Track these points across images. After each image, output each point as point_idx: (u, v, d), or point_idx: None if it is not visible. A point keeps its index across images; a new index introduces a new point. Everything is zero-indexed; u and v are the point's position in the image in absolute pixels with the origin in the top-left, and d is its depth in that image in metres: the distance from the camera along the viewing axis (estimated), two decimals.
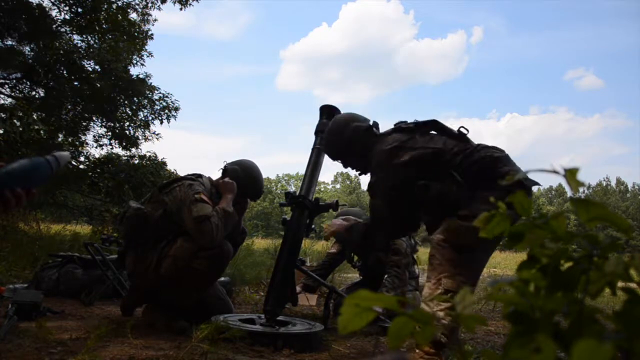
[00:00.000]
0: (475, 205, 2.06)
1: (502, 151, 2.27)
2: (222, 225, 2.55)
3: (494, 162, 2.18)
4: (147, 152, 8.98)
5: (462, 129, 2.32)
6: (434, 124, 2.33)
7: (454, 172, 2.14)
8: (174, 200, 2.61)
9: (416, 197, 2.18)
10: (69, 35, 8.52)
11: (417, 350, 1.99)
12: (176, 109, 9.28)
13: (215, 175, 2.93)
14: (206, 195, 2.61)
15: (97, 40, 8.70)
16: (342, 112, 2.96)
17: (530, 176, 0.56)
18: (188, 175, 2.83)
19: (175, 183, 2.71)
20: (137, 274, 2.65)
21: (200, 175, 2.81)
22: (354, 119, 2.51)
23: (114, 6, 8.57)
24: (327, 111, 2.90)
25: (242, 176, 2.87)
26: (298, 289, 3.46)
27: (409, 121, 2.38)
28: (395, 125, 2.42)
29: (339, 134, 2.49)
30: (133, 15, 9.18)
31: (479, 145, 2.26)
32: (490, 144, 2.32)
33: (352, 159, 2.51)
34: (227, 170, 2.90)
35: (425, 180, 2.15)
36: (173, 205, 2.60)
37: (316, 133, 2.88)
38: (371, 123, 2.52)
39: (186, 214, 2.52)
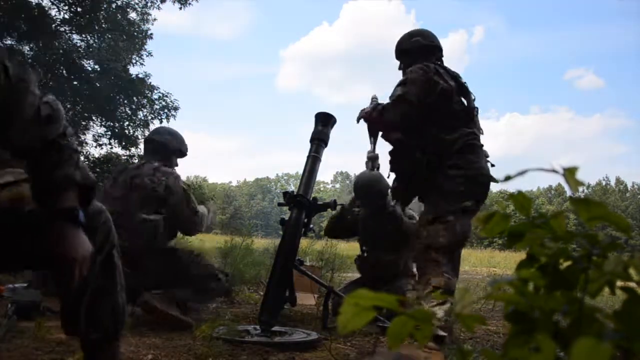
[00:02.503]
0: (441, 204, 2.31)
1: (472, 138, 2.44)
2: (209, 219, 2.88)
3: (469, 148, 2.38)
4: None
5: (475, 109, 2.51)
6: (465, 87, 2.51)
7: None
8: (172, 194, 2.71)
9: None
10: (68, 34, 8.52)
11: (418, 350, 2.02)
12: (175, 109, 9.30)
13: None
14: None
15: (96, 40, 8.71)
16: (337, 119, 2.96)
17: (530, 176, 0.56)
18: (137, 163, 2.95)
19: (158, 174, 2.74)
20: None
21: (145, 163, 2.87)
22: (419, 35, 2.68)
23: (114, 6, 8.57)
24: (323, 118, 2.89)
25: (175, 143, 2.94)
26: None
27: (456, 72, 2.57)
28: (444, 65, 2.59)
29: (402, 42, 2.71)
30: (132, 15, 9.19)
31: (467, 129, 2.42)
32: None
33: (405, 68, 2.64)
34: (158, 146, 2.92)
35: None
36: (174, 198, 2.71)
37: (311, 140, 2.87)
38: (437, 47, 2.67)
39: (186, 207, 2.73)
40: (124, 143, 9.01)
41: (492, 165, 2.57)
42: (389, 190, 3.07)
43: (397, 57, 2.77)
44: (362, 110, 2.57)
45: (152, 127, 9.26)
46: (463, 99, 2.48)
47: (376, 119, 2.47)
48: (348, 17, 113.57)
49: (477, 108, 2.55)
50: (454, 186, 2.31)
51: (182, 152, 3.00)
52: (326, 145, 2.89)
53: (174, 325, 2.48)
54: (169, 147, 2.90)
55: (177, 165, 3.00)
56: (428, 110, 2.36)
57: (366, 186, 3.29)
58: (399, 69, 2.76)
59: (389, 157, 2.57)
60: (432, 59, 2.56)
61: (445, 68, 2.52)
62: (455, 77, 2.50)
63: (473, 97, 2.56)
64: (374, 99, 2.59)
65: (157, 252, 2.64)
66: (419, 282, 2.29)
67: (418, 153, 2.37)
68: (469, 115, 2.46)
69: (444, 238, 2.25)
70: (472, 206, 2.31)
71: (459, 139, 2.35)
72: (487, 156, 2.53)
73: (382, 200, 3.29)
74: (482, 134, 2.62)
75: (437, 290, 2.12)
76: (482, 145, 2.49)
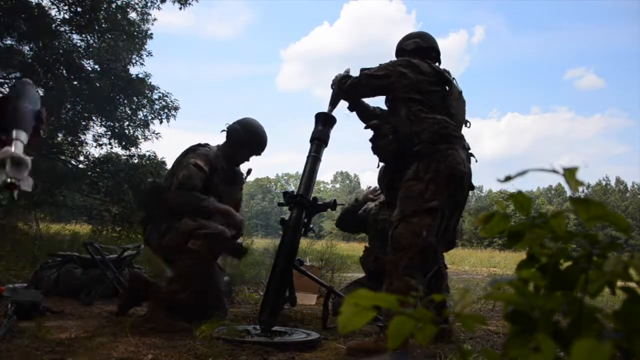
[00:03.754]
0: (406, 203, 2.29)
1: (450, 127, 2.41)
2: (197, 203, 2.68)
3: (436, 137, 2.35)
4: (147, 151, 8.98)
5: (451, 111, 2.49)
6: (447, 82, 2.54)
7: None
8: (175, 164, 2.85)
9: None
10: (68, 34, 8.50)
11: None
12: (176, 109, 9.27)
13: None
14: (203, 161, 2.78)
15: (96, 40, 8.69)
16: (337, 119, 2.99)
17: (530, 176, 0.56)
18: (195, 145, 2.98)
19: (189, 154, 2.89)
20: (151, 243, 2.81)
21: (207, 144, 2.98)
22: (417, 37, 2.79)
23: (114, 5, 8.55)
24: (323, 118, 2.89)
25: (244, 133, 2.99)
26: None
27: (450, 73, 2.63)
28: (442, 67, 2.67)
29: (401, 42, 2.84)
30: (132, 15, 9.16)
31: (437, 117, 2.40)
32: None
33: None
34: (229, 131, 3.02)
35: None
36: (177, 170, 2.80)
37: (311, 140, 2.87)
38: (432, 49, 2.76)
39: (178, 174, 2.75)
40: (124, 143, 8.99)
41: (476, 161, 2.56)
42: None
43: (396, 55, 2.85)
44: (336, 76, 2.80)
45: (152, 127, 9.27)
46: (438, 88, 2.50)
47: (339, 85, 2.71)
48: (349, 17, 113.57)
49: (459, 100, 2.58)
50: (420, 183, 2.27)
51: (247, 143, 2.99)
52: (326, 145, 2.89)
53: (172, 330, 2.48)
54: (231, 134, 2.99)
55: (244, 158, 3.05)
56: (395, 96, 2.50)
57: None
58: None
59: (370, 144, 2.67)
60: (424, 60, 2.63)
61: (429, 63, 2.57)
62: (437, 71, 2.54)
63: (459, 90, 2.61)
64: (347, 71, 2.80)
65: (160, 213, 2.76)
66: (384, 285, 2.29)
67: (390, 134, 2.43)
68: (444, 103, 2.46)
69: (407, 240, 2.22)
70: (439, 205, 2.26)
71: (427, 128, 2.33)
72: (468, 148, 2.50)
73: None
74: (468, 126, 2.66)
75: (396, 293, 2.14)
76: (459, 137, 2.45)
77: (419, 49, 2.71)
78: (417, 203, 2.26)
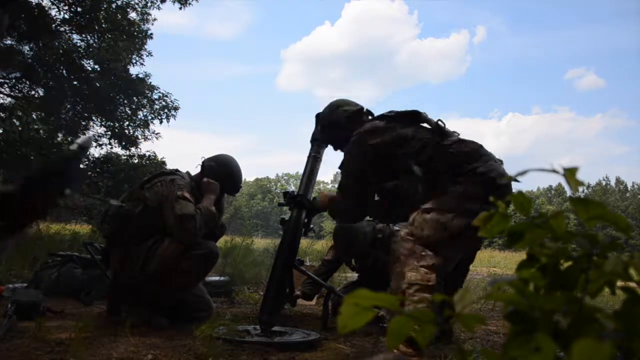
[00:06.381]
0: (444, 199, 2.14)
1: (475, 144, 2.30)
2: (204, 224, 2.58)
3: (463, 157, 2.22)
4: (147, 151, 9.00)
5: (439, 122, 2.32)
6: (414, 114, 2.37)
7: (416, 164, 2.22)
8: (155, 195, 2.63)
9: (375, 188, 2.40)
10: (69, 34, 8.51)
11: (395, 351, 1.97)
12: (176, 109, 9.29)
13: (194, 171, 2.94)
14: (188, 192, 2.64)
15: (96, 40, 8.70)
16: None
17: (530, 176, 0.56)
18: (165, 170, 2.87)
19: (156, 179, 2.73)
20: (122, 273, 2.64)
21: (177, 171, 2.84)
22: (342, 104, 2.59)
23: (114, 5, 8.56)
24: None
25: (218, 172, 2.86)
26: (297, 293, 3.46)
27: (395, 110, 2.44)
28: (380, 115, 2.49)
29: (327, 116, 2.63)
30: (132, 15, 9.18)
31: (452, 138, 2.28)
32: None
33: (339, 140, 2.59)
34: (204, 167, 2.90)
35: (384, 171, 2.32)
36: (154, 201, 2.62)
37: (312, 141, 2.87)
38: (363, 109, 2.57)
39: (169, 211, 2.55)
40: (124, 143, 9.00)
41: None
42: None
43: (327, 132, 2.66)
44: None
45: (152, 127, 9.29)
46: (424, 126, 2.36)
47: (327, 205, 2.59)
48: (350, 17, 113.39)
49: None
50: (461, 186, 2.14)
51: (220, 183, 2.82)
52: (327, 145, 2.89)
53: (149, 325, 2.49)
54: (206, 171, 2.85)
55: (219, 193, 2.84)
56: (395, 170, 2.31)
57: (342, 242, 3.19)
58: (333, 146, 2.69)
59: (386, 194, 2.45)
60: (366, 120, 2.50)
61: (377, 119, 2.44)
62: (394, 117, 2.38)
63: (435, 121, 2.37)
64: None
65: (125, 238, 2.61)
66: (393, 271, 2.12)
67: (413, 167, 2.22)
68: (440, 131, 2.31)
69: (430, 230, 2.08)
70: (478, 209, 2.15)
71: (449, 160, 2.20)
72: (501, 162, 2.37)
73: (365, 250, 3.16)
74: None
75: (412, 286, 1.98)
76: (486, 154, 2.31)
77: (355, 114, 2.53)
78: (457, 202, 2.11)
